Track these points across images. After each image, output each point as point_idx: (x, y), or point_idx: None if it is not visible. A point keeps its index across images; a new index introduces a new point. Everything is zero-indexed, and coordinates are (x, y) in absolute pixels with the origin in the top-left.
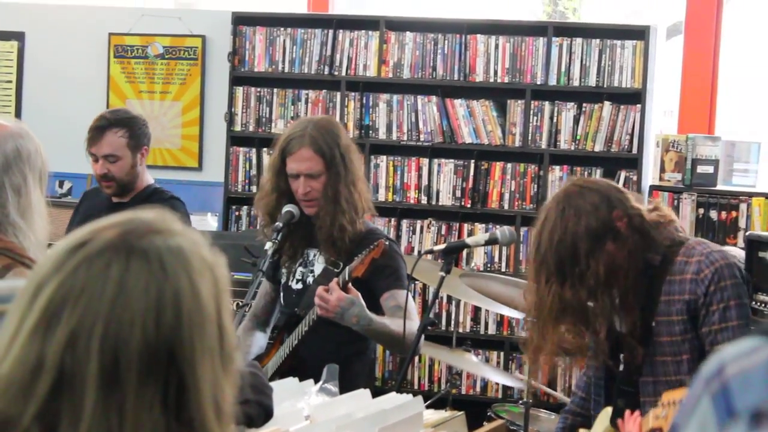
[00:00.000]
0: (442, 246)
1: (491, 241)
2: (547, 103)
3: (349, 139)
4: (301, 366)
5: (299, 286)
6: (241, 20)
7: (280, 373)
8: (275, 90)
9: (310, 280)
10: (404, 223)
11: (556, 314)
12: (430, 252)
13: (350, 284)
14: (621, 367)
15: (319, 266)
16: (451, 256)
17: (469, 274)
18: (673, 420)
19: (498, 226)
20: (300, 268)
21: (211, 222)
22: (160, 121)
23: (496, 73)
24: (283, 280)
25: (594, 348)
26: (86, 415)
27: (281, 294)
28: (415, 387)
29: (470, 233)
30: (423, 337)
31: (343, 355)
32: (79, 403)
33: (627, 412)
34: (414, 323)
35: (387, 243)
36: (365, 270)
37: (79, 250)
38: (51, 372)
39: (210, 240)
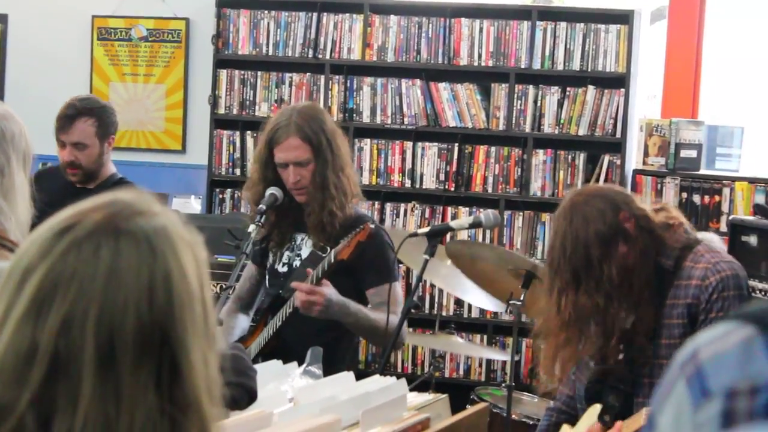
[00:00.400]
0: (426, 229)
1: (475, 225)
2: (531, 87)
3: (335, 124)
4: (284, 348)
5: (285, 269)
6: (225, 3)
7: (263, 354)
8: (259, 73)
9: (296, 263)
10: (388, 206)
11: (573, 323)
12: (414, 235)
13: (324, 279)
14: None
15: (306, 250)
16: (435, 239)
17: (455, 243)
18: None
19: (482, 210)
20: (287, 252)
21: (195, 205)
22: (143, 103)
23: (480, 56)
24: (269, 264)
25: (602, 348)
26: (83, 399)
27: (267, 277)
28: (399, 370)
29: (454, 217)
30: (406, 323)
31: (327, 338)
32: (76, 387)
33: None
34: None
35: (373, 227)
36: (351, 252)
37: (66, 233)
38: (45, 358)
39: (192, 222)
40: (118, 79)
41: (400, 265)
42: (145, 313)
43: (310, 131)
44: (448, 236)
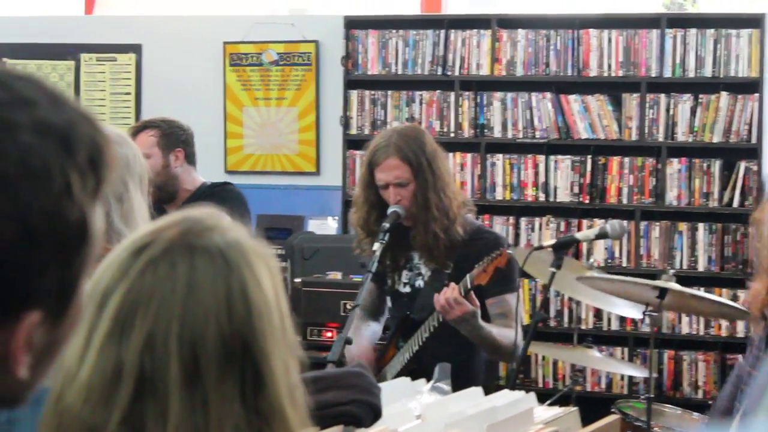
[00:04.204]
0: (551, 242)
1: (601, 236)
2: (662, 96)
3: (435, 144)
4: (421, 370)
5: (407, 289)
6: (354, 24)
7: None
8: (389, 92)
9: (419, 283)
10: (522, 221)
11: None
12: (540, 248)
13: (472, 292)
14: None
15: (425, 269)
16: (562, 251)
17: (586, 277)
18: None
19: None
20: (406, 272)
21: (332, 225)
22: (276, 127)
23: (610, 67)
24: (389, 285)
25: None
26: (172, 415)
27: (390, 299)
28: (539, 385)
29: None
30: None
31: (463, 356)
32: (164, 404)
33: None
34: (518, 332)
35: (510, 252)
36: (489, 278)
37: (142, 253)
38: (131, 376)
39: (327, 243)
40: (251, 104)
41: (536, 281)
42: (225, 324)
43: (410, 151)
44: (584, 249)
